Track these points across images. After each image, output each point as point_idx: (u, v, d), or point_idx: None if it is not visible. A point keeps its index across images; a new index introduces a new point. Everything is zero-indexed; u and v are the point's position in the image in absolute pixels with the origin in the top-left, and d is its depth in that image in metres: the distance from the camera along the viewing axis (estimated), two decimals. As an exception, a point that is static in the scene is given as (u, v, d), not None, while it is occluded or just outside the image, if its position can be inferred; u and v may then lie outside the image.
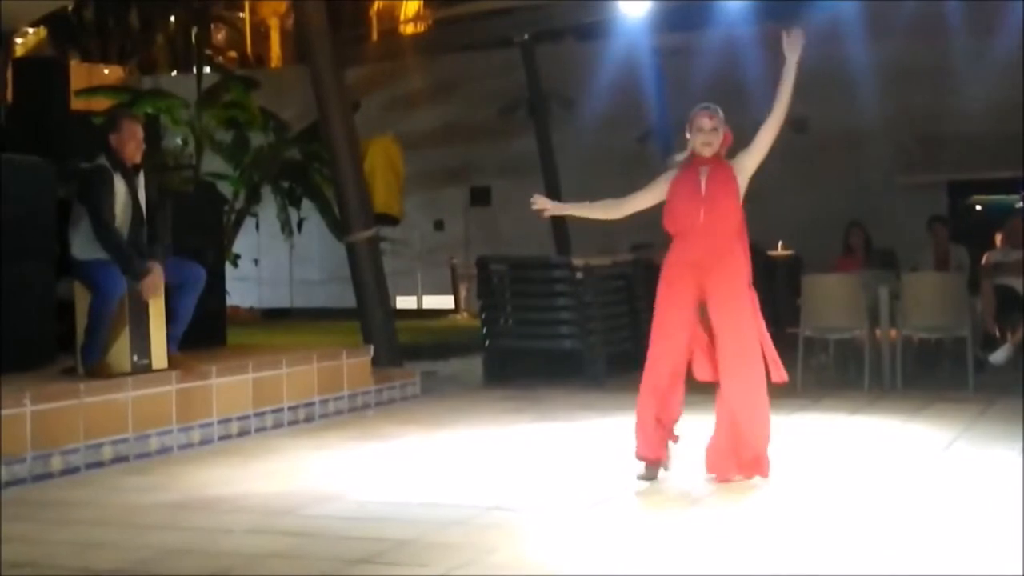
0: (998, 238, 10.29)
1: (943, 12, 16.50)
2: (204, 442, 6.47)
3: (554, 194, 16.38)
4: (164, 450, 6.21)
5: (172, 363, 6.45)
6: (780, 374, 5.25)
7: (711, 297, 5.17)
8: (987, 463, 5.58)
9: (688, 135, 5.31)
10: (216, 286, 7.86)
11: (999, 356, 8.36)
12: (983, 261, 9.85)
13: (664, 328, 5.21)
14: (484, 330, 9.62)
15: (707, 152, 5.25)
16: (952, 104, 16.72)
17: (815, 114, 17.59)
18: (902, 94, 16.84)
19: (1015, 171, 17.03)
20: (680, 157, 5.37)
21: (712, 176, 5.23)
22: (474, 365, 9.82)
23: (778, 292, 12.19)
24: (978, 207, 18.09)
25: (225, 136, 14.98)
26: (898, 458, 5.79)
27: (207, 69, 19.74)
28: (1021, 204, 17.49)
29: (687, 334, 5.18)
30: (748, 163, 5.30)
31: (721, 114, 5.29)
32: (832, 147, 17.18)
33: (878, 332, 8.66)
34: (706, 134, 5.24)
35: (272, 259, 19.23)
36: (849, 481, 5.27)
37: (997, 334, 9.18)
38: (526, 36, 16.16)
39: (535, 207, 5.48)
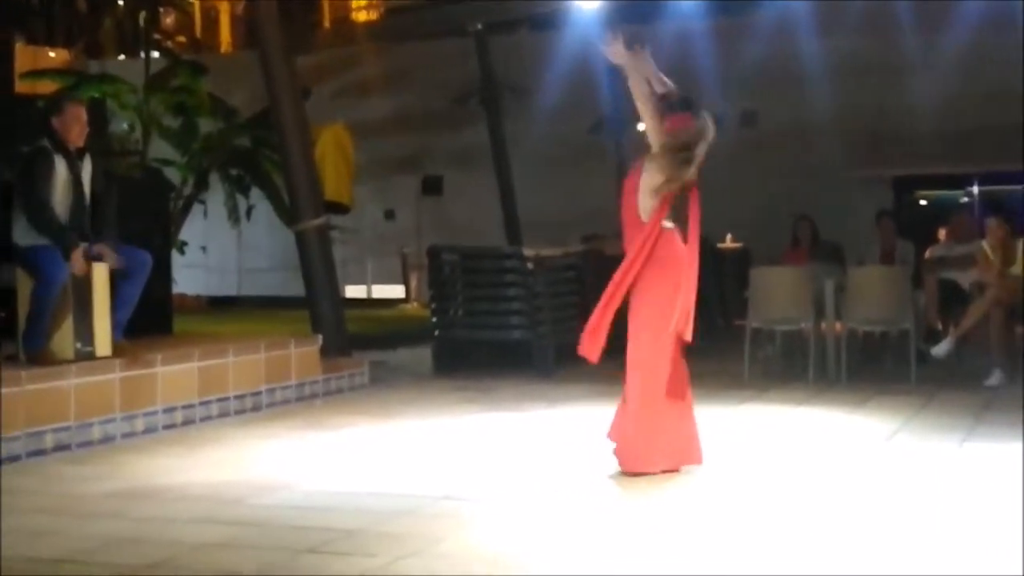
0: (942, 233, 10.46)
1: (892, 9, 16.71)
2: (148, 431, 6.40)
3: (506, 184, 16.42)
4: (107, 439, 6.13)
5: (116, 351, 6.37)
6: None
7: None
8: (928, 455, 5.67)
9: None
10: (162, 273, 7.78)
11: (941, 349, 8.49)
12: (927, 255, 10.01)
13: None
14: (434, 320, 9.60)
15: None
16: (899, 100, 16.95)
17: (764, 108, 17.78)
18: (850, 89, 17.04)
19: (959, 167, 17.32)
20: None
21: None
22: (424, 355, 9.80)
23: (726, 284, 12.31)
24: (923, 202, 18.36)
25: (173, 122, 14.79)
26: (841, 450, 5.86)
27: (155, 54, 19.48)
28: (965, 200, 17.79)
29: None
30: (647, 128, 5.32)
31: None
32: (781, 141, 17.35)
33: (824, 325, 8.76)
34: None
35: (220, 247, 19.06)
36: (791, 472, 5.33)
37: (940, 328, 9.33)
38: (479, 26, 16.14)
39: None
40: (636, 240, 5.13)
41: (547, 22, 18.15)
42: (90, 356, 6.24)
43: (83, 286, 6.22)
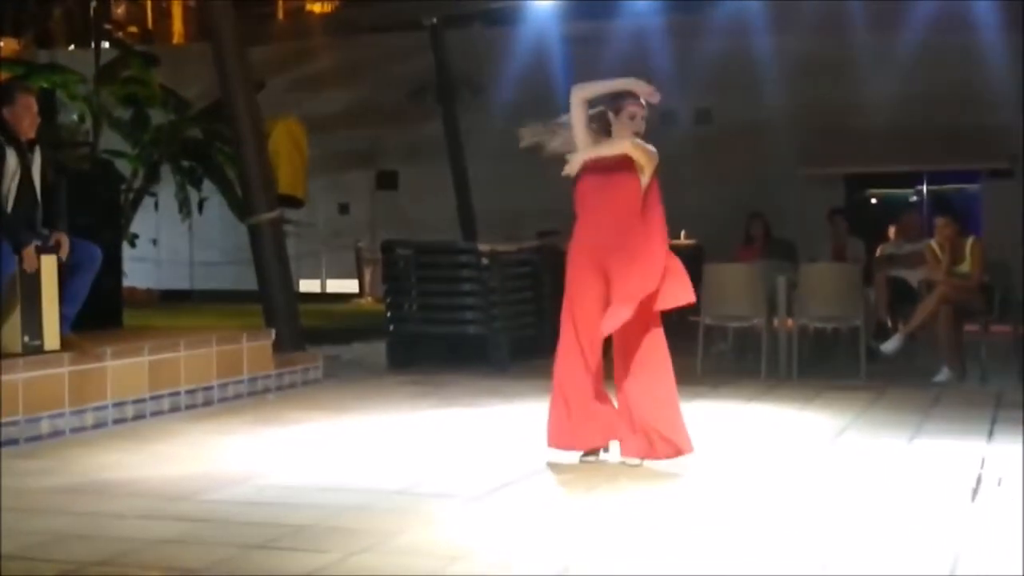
0: (892, 231, 10.60)
1: (845, 9, 16.88)
2: (98, 425, 6.32)
3: (461, 179, 16.40)
4: (56, 433, 6.05)
5: (65, 344, 6.29)
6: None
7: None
8: (877, 451, 5.74)
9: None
10: (112, 266, 7.69)
11: (890, 346, 8.60)
12: (877, 253, 10.13)
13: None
14: (389, 314, 9.57)
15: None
16: (852, 99, 17.13)
17: (718, 106, 17.90)
18: (803, 88, 17.19)
19: (910, 166, 17.54)
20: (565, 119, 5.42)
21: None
22: (378, 350, 9.76)
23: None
24: (873, 200, 18.58)
25: (124, 113, 14.61)
26: (790, 445, 5.92)
27: (106, 44, 19.21)
28: (914, 198, 18.02)
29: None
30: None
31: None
32: (734, 138, 17.47)
33: (776, 321, 8.84)
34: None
35: (171, 240, 18.87)
36: (740, 468, 5.37)
37: (889, 324, 9.45)
38: (435, 20, 16.09)
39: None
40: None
41: (503, 17, 18.14)
42: (38, 350, 6.15)
43: (31, 279, 6.13)
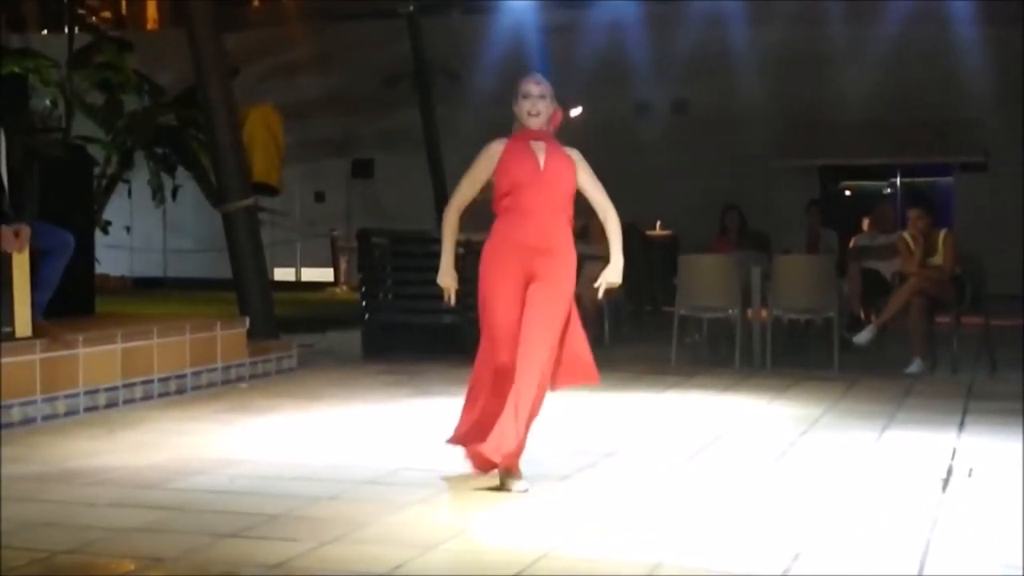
0: (866, 223, 10.66)
1: (822, 1, 16.95)
2: (69, 413, 6.28)
3: (437, 168, 16.37)
4: (27, 420, 6.01)
5: (37, 331, 6.23)
6: (590, 375, 4.81)
7: (538, 282, 4.62)
8: (848, 442, 5.77)
9: (514, 107, 4.74)
10: (84, 253, 7.62)
11: (863, 337, 8.64)
12: (851, 245, 10.18)
13: (493, 316, 4.66)
14: (364, 303, 9.55)
15: (535, 123, 4.70)
16: (827, 91, 17.21)
17: (695, 97, 17.93)
18: (779, 79, 17.26)
19: (884, 158, 17.65)
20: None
21: (551, 154, 4.69)
22: (353, 339, 9.74)
23: (655, 271, 12.42)
24: (847, 192, 18.68)
25: (97, 99, 14.50)
26: (763, 436, 5.94)
27: (79, 29, 19.04)
28: (887, 191, 18.13)
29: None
30: (583, 179, 4.75)
31: (550, 87, 4.75)
32: (710, 130, 17.51)
33: (750, 312, 8.87)
34: (533, 101, 4.67)
35: (145, 227, 18.75)
36: (713, 458, 5.39)
37: (862, 316, 9.51)
38: (411, 7, 16.04)
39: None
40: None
41: (480, 6, 18.10)
42: (9, 337, 6.09)
43: (2, 265, 6.07)
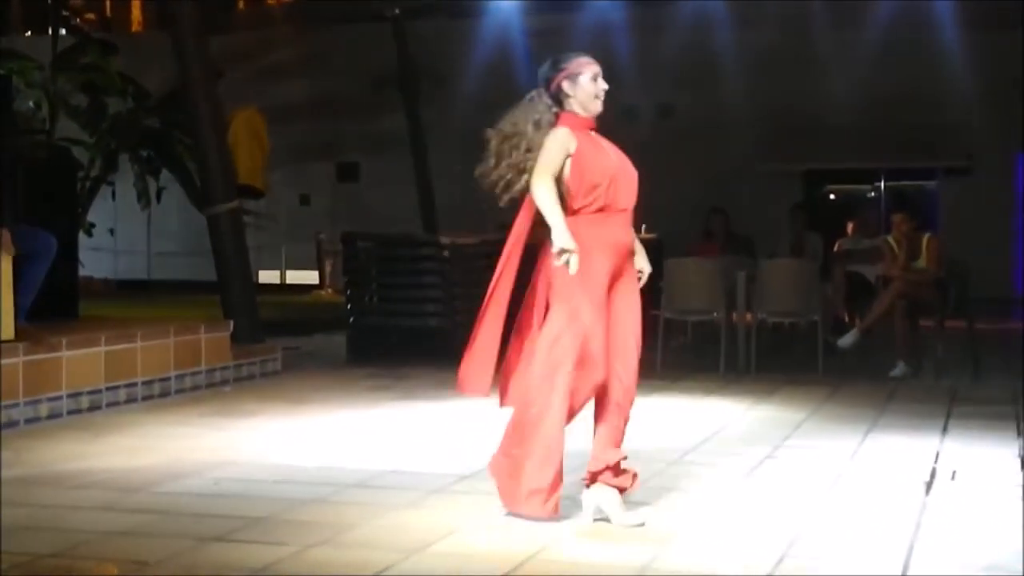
0: (850, 227, 10.71)
1: (807, 6, 17.02)
2: (53, 416, 6.25)
3: (423, 171, 16.35)
4: (10, 424, 5.97)
5: (20, 334, 6.20)
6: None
7: (624, 284, 4.25)
8: (832, 445, 5.78)
9: (567, 87, 4.22)
10: (68, 256, 7.59)
11: (847, 341, 8.67)
12: (835, 248, 10.23)
13: (595, 329, 4.10)
14: (349, 306, 9.54)
15: (599, 109, 4.26)
16: (811, 95, 17.27)
17: (680, 101, 17.98)
18: (764, 84, 17.31)
19: (868, 162, 17.73)
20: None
21: (609, 144, 4.28)
22: (338, 342, 9.72)
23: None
24: (832, 196, 18.75)
25: (81, 101, 14.44)
26: (747, 440, 5.95)
27: (63, 31, 18.97)
28: (871, 195, 18.21)
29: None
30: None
31: None
32: (696, 133, 17.55)
33: (735, 315, 8.89)
34: (602, 83, 4.25)
35: (129, 229, 18.69)
36: (697, 462, 5.40)
37: (847, 319, 9.54)
38: (397, 11, 16.04)
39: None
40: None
41: (466, 10, 18.11)
42: (-8, 340, 6.07)
43: (-16, 268, 6.04)
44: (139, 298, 15.29)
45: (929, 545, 3.93)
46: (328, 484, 4.79)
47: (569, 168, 4.15)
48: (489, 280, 4.43)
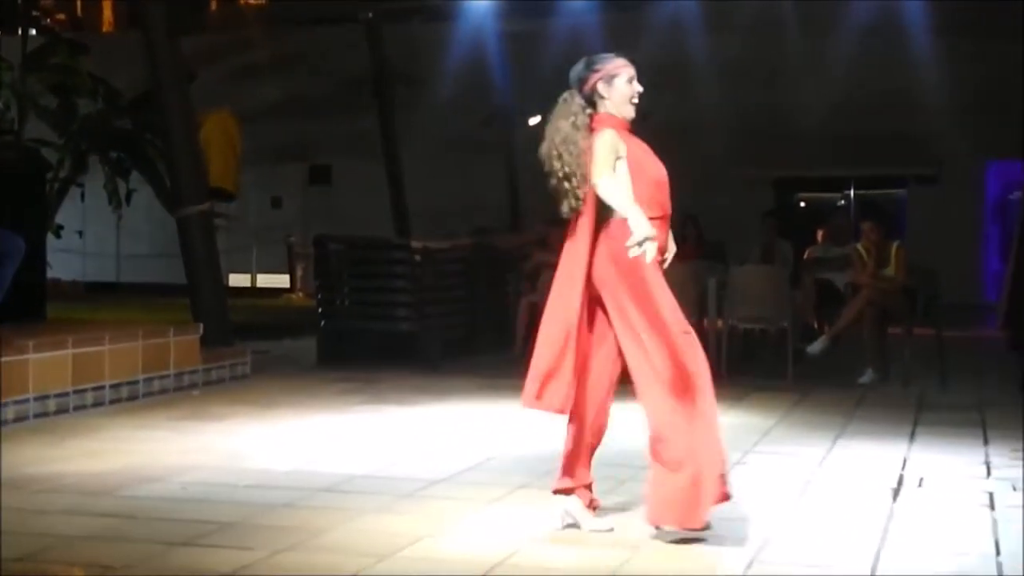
0: (820, 234, 10.77)
1: (779, 12, 17.13)
2: (18, 419, 6.18)
3: (395, 175, 16.32)
4: (-25, 427, 5.92)
5: (-14, 336, 6.15)
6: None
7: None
8: (801, 451, 5.82)
9: (602, 88, 4.12)
10: (36, 257, 7.52)
11: (816, 347, 8.73)
12: (805, 256, 10.29)
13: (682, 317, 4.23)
14: (320, 310, 9.50)
15: (633, 113, 4.24)
16: (783, 102, 17.38)
17: (653, 106, 18.04)
18: (737, 90, 17.40)
19: (839, 170, 17.86)
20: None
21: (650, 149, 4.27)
22: (308, 346, 9.68)
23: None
24: (802, 204, 18.87)
25: (51, 101, 14.32)
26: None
27: (33, 31, 18.81)
28: (841, 202, 18.34)
29: None
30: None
31: None
32: (669, 139, 17.56)
33: (705, 321, 8.92)
34: (636, 96, 4.21)
35: (98, 231, 18.56)
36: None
37: (816, 326, 9.60)
38: (370, 14, 16.00)
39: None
40: None
41: (440, 13, 18.10)
42: (-43, 342, 6.00)
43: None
44: (108, 300, 15.18)
45: (896, 551, 3.96)
46: (298, 488, 4.76)
47: (624, 172, 4.08)
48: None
